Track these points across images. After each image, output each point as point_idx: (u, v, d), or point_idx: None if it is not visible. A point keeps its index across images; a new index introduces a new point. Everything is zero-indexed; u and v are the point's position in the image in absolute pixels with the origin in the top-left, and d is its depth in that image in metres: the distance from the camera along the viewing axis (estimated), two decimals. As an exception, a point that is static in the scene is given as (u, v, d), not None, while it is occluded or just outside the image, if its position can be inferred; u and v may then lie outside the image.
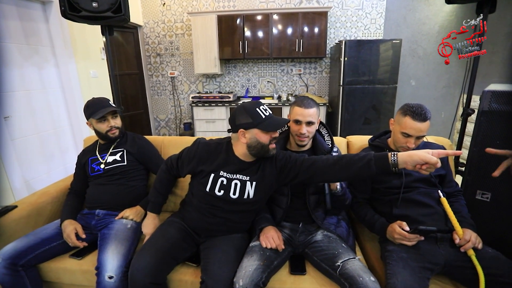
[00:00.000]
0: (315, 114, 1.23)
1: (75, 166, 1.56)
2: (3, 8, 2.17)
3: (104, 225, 1.36)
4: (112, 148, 1.52)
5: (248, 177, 1.17)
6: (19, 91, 2.30)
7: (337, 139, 1.61)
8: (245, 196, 1.17)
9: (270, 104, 3.80)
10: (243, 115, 1.11)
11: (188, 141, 1.58)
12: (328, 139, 1.34)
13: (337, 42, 3.66)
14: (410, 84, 3.75)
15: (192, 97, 4.03)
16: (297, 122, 1.24)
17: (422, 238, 1.09)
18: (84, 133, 2.80)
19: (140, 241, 1.36)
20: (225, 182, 1.17)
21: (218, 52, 3.81)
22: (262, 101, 3.85)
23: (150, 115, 4.51)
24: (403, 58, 3.50)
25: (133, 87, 4.17)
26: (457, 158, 1.83)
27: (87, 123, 1.50)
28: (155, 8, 4.10)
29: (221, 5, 3.99)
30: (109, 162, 1.49)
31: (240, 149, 1.17)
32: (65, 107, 2.76)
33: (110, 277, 1.11)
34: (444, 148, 1.34)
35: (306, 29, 3.62)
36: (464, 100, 1.82)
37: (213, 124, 3.89)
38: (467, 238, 1.08)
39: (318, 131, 1.35)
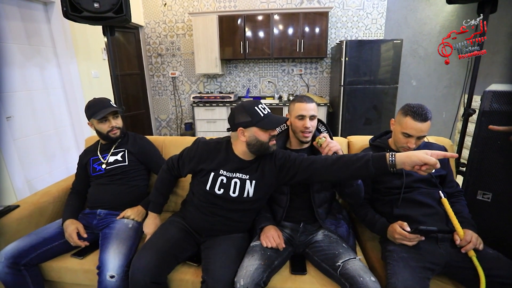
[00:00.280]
0: (316, 109, 1.27)
1: (76, 166, 1.56)
2: (5, 9, 2.18)
3: (106, 225, 1.37)
4: (113, 148, 1.53)
5: (248, 176, 1.18)
6: (21, 91, 2.31)
7: (338, 139, 1.61)
8: (245, 195, 1.17)
9: (271, 104, 3.81)
10: (242, 114, 1.12)
11: (189, 141, 1.59)
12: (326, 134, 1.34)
13: (338, 42, 3.66)
14: (411, 84, 3.75)
15: (193, 97, 4.03)
16: (301, 117, 1.24)
17: (423, 238, 1.09)
18: (85, 133, 2.81)
19: (141, 240, 1.37)
20: (224, 181, 1.18)
21: (219, 52, 3.82)
22: (263, 101, 3.86)
23: (151, 115, 4.52)
24: (404, 58, 3.49)
25: (134, 87, 4.18)
26: (458, 158, 1.83)
27: (88, 124, 1.50)
28: (156, 8, 4.11)
29: (222, 5, 4.00)
30: (111, 162, 1.49)
31: (239, 148, 1.18)
32: (67, 107, 2.77)
33: (112, 277, 1.11)
34: (445, 149, 1.33)
35: (307, 29, 3.62)
36: (465, 100, 1.82)
37: (214, 124, 3.90)
38: (468, 239, 1.07)
39: (316, 128, 1.36)
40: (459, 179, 1.49)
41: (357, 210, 1.35)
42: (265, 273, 1.05)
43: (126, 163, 1.50)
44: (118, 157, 1.51)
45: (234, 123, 1.15)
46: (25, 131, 2.35)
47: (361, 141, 1.56)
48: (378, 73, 3.33)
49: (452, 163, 1.44)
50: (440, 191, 1.22)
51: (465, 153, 1.98)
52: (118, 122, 1.51)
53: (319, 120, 1.35)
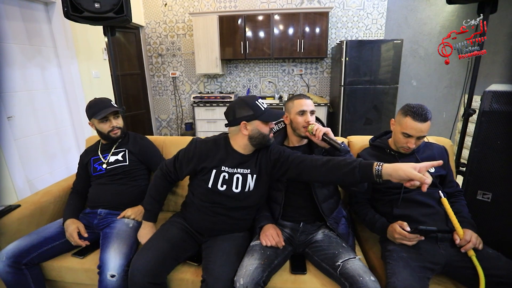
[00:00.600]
0: (313, 105, 1.30)
1: (77, 166, 1.57)
2: (6, 9, 2.19)
3: (106, 224, 1.37)
4: (114, 148, 1.53)
5: (249, 170, 1.20)
6: (22, 91, 2.31)
7: (338, 139, 1.61)
8: (246, 189, 1.19)
9: (271, 104, 3.81)
10: (244, 108, 1.15)
11: (189, 141, 1.59)
12: None
13: (338, 42, 3.66)
14: (412, 85, 3.75)
15: (194, 97, 4.04)
16: (302, 113, 1.26)
17: (423, 238, 1.09)
18: (86, 133, 2.82)
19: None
20: (227, 177, 1.19)
21: (220, 52, 3.82)
22: (263, 101, 3.85)
23: (151, 115, 4.53)
24: (404, 58, 3.49)
25: (135, 87, 4.19)
26: (458, 158, 1.83)
27: (89, 123, 1.51)
28: (157, 8, 4.12)
29: (223, 5, 4.00)
30: (111, 162, 1.50)
31: (240, 142, 1.20)
32: (68, 107, 2.78)
33: (112, 276, 1.12)
34: (445, 149, 1.34)
35: (307, 29, 3.62)
36: (466, 101, 1.82)
37: (214, 124, 3.91)
38: (467, 238, 1.08)
39: None
40: (459, 179, 1.50)
41: (357, 210, 1.35)
42: (264, 272, 1.05)
43: (127, 163, 1.50)
44: (119, 157, 1.51)
45: (235, 118, 1.17)
46: (26, 131, 2.35)
47: (361, 141, 1.56)
48: (379, 73, 3.33)
49: (452, 163, 1.44)
50: (440, 191, 1.22)
51: (465, 153, 1.98)
52: (119, 122, 1.51)
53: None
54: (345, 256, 1.08)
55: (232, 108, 1.18)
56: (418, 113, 1.16)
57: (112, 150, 1.52)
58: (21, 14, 2.30)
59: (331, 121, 3.85)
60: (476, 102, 1.66)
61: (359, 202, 1.36)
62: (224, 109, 3.82)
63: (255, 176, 1.20)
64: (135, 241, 1.32)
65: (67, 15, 1.87)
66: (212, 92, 4.27)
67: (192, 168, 1.24)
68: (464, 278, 1.07)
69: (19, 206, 1.42)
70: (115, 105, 1.50)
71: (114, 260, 1.15)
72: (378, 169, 0.92)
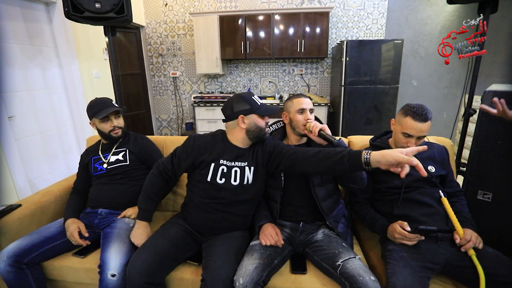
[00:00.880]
0: (312, 103, 1.33)
1: (78, 165, 1.57)
2: (7, 9, 2.19)
3: (107, 224, 1.38)
4: (114, 147, 1.53)
5: (246, 163, 1.23)
6: (22, 91, 2.32)
7: (339, 139, 1.61)
8: (245, 182, 1.22)
9: (271, 104, 3.81)
10: (242, 102, 1.21)
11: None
12: None
13: (338, 42, 3.66)
14: (412, 85, 3.75)
15: (194, 97, 4.04)
16: (301, 111, 1.28)
17: (423, 238, 1.09)
18: (86, 133, 2.82)
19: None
20: (225, 170, 1.21)
21: (220, 52, 3.82)
22: (263, 101, 3.86)
23: (152, 115, 4.53)
24: (404, 58, 3.49)
25: (135, 87, 4.19)
26: (458, 158, 1.83)
27: (90, 123, 1.51)
28: (157, 8, 4.12)
29: (223, 5, 4.01)
30: (112, 162, 1.50)
31: (237, 135, 1.23)
32: (68, 107, 2.78)
33: (113, 275, 1.12)
34: (445, 149, 1.34)
35: (307, 29, 3.62)
36: (466, 100, 1.82)
37: (214, 124, 3.91)
38: (467, 238, 1.08)
39: None
40: (460, 179, 1.50)
41: (357, 209, 1.35)
42: (264, 272, 1.05)
43: (128, 163, 1.50)
44: (120, 156, 1.51)
45: (233, 112, 1.21)
46: (27, 131, 2.36)
47: (362, 141, 1.56)
48: (379, 73, 3.33)
49: (453, 163, 1.44)
50: (440, 191, 1.22)
51: (466, 153, 1.98)
52: (119, 121, 1.52)
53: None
54: (345, 255, 1.08)
55: (230, 103, 1.23)
56: (419, 113, 1.16)
57: (113, 150, 1.53)
58: (22, 14, 2.31)
59: (332, 121, 3.85)
60: (477, 102, 1.66)
61: (359, 202, 1.36)
62: (224, 109, 3.82)
63: (252, 168, 1.23)
64: (136, 241, 1.32)
65: (68, 15, 1.87)
66: (212, 92, 4.27)
67: (191, 162, 1.24)
68: (464, 277, 1.07)
69: (20, 205, 1.42)
70: (116, 105, 1.50)
71: (114, 259, 1.16)
72: (367, 156, 0.93)
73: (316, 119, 1.36)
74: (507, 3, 2.28)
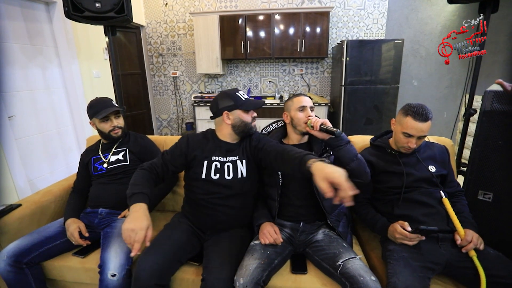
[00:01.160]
0: (311, 102, 1.34)
1: (78, 165, 1.57)
2: (7, 9, 2.19)
3: (107, 224, 1.38)
4: (114, 147, 1.53)
5: (237, 157, 1.26)
6: (23, 91, 2.32)
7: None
8: (239, 176, 1.24)
9: (272, 104, 3.80)
10: (226, 99, 1.24)
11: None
12: None
13: (339, 42, 3.66)
14: (412, 84, 3.74)
15: (194, 97, 4.04)
16: (302, 108, 1.29)
17: (423, 238, 1.09)
18: (87, 133, 2.82)
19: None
20: (218, 166, 1.24)
21: (220, 52, 3.82)
22: (264, 101, 3.86)
23: (152, 115, 4.53)
24: (405, 58, 3.49)
25: (136, 87, 4.19)
26: (459, 158, 1.83)
27: (90, 123, 1.51)
28: (158, 8, 4.12)
29: (223, 5, 4.00)
30: (112, 161, 1.50)
31: (225, 131, 1.27)
32: (68, 107, 2.78)
33: (113, 275, 1.12)
34: (446, 149, 1.33)
35: (308, 29, 3.62)
36: (467, 100, 1.81)
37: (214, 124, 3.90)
38: (468, 238, 1.07)
39: None
40: (460, 179, 1.49)
41: (358, 209, 1.35)
42: (264, 272, 1.05)
43: (128, 163, 1.50)
44: (120, 156, 1.51)
45: (218, 109, 1.25)
46: (27, 131, 2.36)
47: (362, 141, 1.56)
48: (379, 73, 3.32)
49: (453, 163, 1.44)
50: (441, 191, 1.22)
51: (466, 153, 1.97)
52: (119, 121, 1.51)
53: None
54: (346, 255, 1.08)
55: (215, 101, 1.27)
56: (419, 113, 1.16)
57: (113, 150, 1.52)
58: (22, 14, 2.31)
59: (332, 121, 3.84)
60: (477, 102, 1.65)
61: (359, 202, 1.36)
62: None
63: (244, 161, 1.26)
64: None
65: (68, 15, 1.87)
66: (212, 92, 4.27)
67: (184, 158, 1.24)
68: (465, 278, 1.07)
69: (20, 205, 1.42)
70: (116, 105, 1.50)
71: (115, 259, 1.15)
72: (309, 165, 0.92)
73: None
74: (508, 3, 2.28)
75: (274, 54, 3.76)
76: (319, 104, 3.67)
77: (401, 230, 1.09)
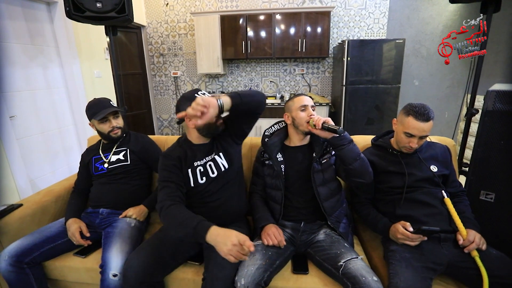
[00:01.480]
0: (312, 102, 1.33)
1: (79, 165, 1.57)
2: (8, 9, 2.20)
3: (108, 224, 1.37)
4: (115, 147, 1.53)
5: (214, 153, 1.26)
6: (24, 91, 2.32)
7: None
8: (222, 169, 1.25)
9: (273, 104, 3.80)
10: (185, 103, 1.14)
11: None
12: None
13: (340, 42, 3.65)
14: (414, 84, 3.74)
15: (195, 97, 4.03)
16: (303, 108, 1.28)
17: (425, 238, 1.08)
18: (88, 133, 2.82)
19: (144, 239, 1.37)
20: (202, 170, 1.24)
21: (221, 52, 3.82)
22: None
23: (153, 115, 4.53)
24: (406, 58, 3.48)
25: (136, 87, 4.20)
26: (460, 158, 1.82)
27: (89, 124, 1.51)
28: (158, 8, 4.12)
29: (224, 5, 4.00)
30: (113, 161, 1.50)
31: (193, 135, 1.26)
32: (69, 107, 2.79)
33: (114, 275, 1.12)
34: (448, 148, 1.33)
35: (309, 29, 3.61)
36: (468, 100, 1.81)
37: (215, 124, 3.90)
38: (471, 239, 1.07)
39: None
40: (462, 179, 1.49)
41: (359, 210, 1.35)
42: (266, 273, 1.05)
43: (128, 162, 1.50)
44: (120, 156, 1.51)
45: None
46: (28, 131, 2.36)
47: (363, 140, 1.55)
48: (380, 73, 3.32)
49: (455, 163, 1.43)
50: (443, 191, 1.21)
51: (468, 153, 1.97)
52: (118, 122, 1.51)
53: None
54: (347, 256, 1.08)
55: (177, 106, 1.21)
56: (421, 113, 1.16)
57: (114, 150, 1.52)
58: (23, 14, 2.31)
59: (333, 121, 3.82)
60: (479, 102, 1.65)
61: (361, 202, 1.35)
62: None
63: (221, 154, 1.26)
64: (137, 241, 1.32)
65: (69, 15, 1.87)
66: (213, 92, 4.27)
67: (181, 171, 1.22)
68: (467, 278, 1.06)
69: (21, 205, 1.42)
70: (114, 105, 1.50)
71: (116, 259, 1.15)
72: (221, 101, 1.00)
73: None
74: (510, 2, 2.27)
75: (275, 54, 3.76)
76: (320, 104, 3.67)
77: (403, 230, 1.09)
